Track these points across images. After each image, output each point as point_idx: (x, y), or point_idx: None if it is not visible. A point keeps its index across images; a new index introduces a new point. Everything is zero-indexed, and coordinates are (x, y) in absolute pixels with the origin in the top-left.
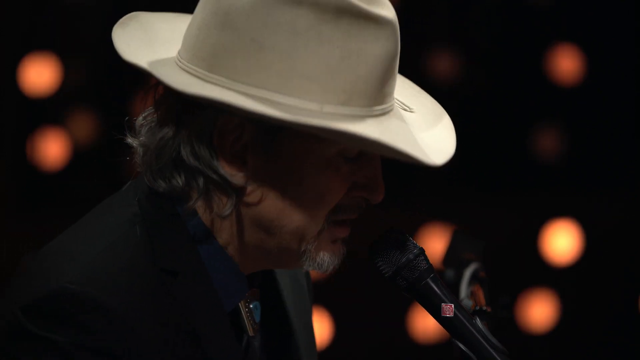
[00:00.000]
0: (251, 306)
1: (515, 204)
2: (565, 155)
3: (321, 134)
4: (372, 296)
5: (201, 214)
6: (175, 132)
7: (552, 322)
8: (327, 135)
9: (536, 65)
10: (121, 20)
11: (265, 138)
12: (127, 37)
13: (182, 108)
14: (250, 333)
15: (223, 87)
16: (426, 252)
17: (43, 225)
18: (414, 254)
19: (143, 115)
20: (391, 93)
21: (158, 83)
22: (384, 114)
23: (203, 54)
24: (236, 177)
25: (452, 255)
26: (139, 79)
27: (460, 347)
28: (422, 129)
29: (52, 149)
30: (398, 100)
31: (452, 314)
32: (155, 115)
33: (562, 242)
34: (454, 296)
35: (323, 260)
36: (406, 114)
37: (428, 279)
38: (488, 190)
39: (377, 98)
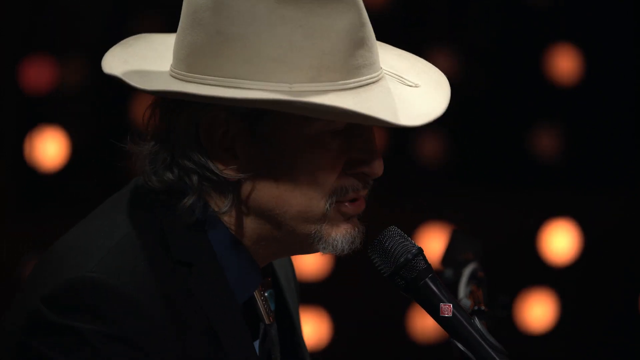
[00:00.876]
0: (266, 294)
1: (514, 204)
2: (564, 154)
3: (293, 111)
4: (370, 296)
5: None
6: (166, 136)
7: (551, 322)
8: (297, 111)
9: (535, 64)
10: (125, 39)
11: (249, 128)
12: (123, 53)
13: (168, 111)
14: (267, 321)
15: (199, 83)
16: (425, 252)
17: (43, 225)
18: (413, 254)
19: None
20: (368, 65)
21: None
22: (361, 86)
23: (182, 56)
24: (229, 171)
25: (451, 255)
26: None
27: (459, 347)
28: (421, 100)
29: (52, 148)
30: (399, 76)
31: (450, 314)
32: (150, 122)
33: (561, 241)
34: (453, 296)
35: (336, 241)
36: (405, 88)
37: (427, 279)
38: (487, 189)
39: (349, 71)
